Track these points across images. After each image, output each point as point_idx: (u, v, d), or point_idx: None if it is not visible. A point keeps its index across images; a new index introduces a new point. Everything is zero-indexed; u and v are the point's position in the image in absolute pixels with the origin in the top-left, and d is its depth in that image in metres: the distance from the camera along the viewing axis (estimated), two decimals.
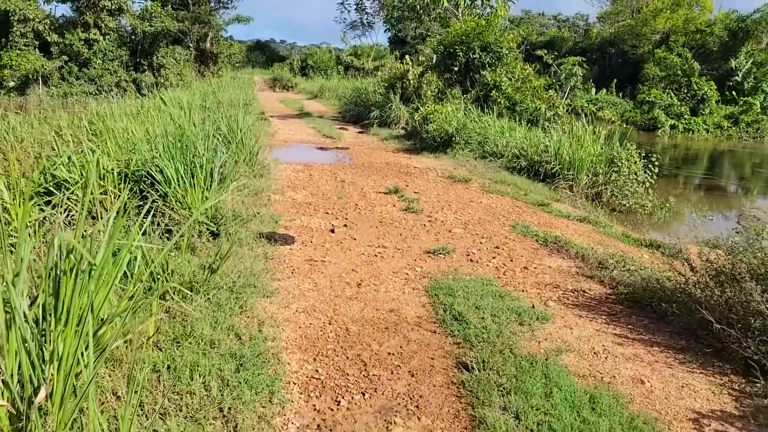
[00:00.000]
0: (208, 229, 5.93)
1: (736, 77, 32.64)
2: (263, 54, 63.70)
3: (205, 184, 6.57)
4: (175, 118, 10.41)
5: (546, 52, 30.29)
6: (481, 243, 6.69)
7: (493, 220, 7.83)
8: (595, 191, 11.48)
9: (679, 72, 32.38)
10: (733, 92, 31.80)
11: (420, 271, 5.58)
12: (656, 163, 11.38)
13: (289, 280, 5.14)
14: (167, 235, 5.37)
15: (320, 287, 5.01)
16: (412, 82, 19.36)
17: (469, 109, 15.90)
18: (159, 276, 4.20)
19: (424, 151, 14.00)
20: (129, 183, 6.60)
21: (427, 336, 4.17)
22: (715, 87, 31.04)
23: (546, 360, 3.82)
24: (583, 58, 25.47)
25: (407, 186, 9.62)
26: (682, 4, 39.75)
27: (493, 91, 16.60)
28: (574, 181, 11.48)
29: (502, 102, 16.36)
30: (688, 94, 31.29)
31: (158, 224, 5.51)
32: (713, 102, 30.78)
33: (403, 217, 7.61)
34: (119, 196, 6.54)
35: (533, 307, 4.77)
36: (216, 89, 22.58)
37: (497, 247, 6.56)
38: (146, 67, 32.17)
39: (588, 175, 11.57)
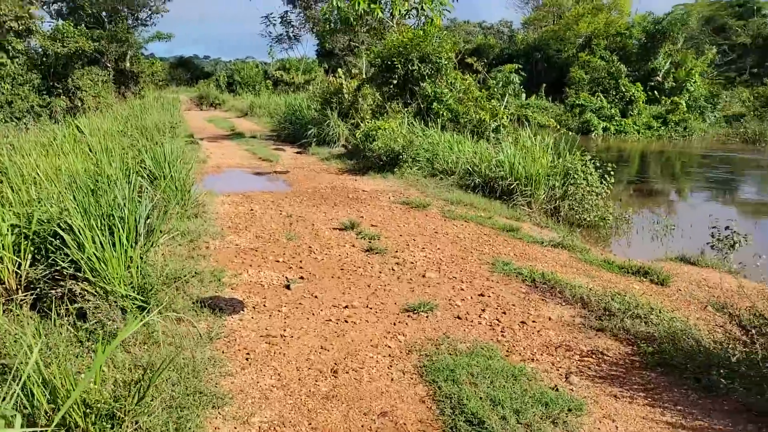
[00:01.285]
0: (134, 305, 4.72)
1: (657, 77, 33.24)
2: (187, 71, 61.23)
3: (128, 241, 5.33)
4: (94, 148, 9.05)
5: (476, 59, 30.00)
6: (462, 290, 5.73)
7: (466, 256, 6.90)
8: (553, 206, 10.83)
9: (605, 74, 32.73)
10: (655, 92, 32.33)
11: (404, 342, 4.55)
12: (612, 173, 10.84)
13: (245, 372, 4.01)
14: (81, 322, 4.14)
15: (286, 382, 3.91)
16: (347, 96, 18.38)
17: (412, 123, 15.05)
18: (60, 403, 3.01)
19: (370, 171, 13.02)
20: (31, 246, 5.30)
21: None
22: (642, 88, 31.51)
23: None
24: (519, 65, 25.21)
25: (362, 218, 8.58)
26: (602, 8, 40.54)
27: (435, 104, 15.83)
28: (532, 197, 10.79)
29: (444, 114, 15.60)
30: (617, 96, 31.62)
31: (67, 305, 4.27)
32: (641, 103, 31.21)
33: (367, 261, 6.57)
34: (20, 263, 5.24)
35: (556, 388, 3.83)
36: (139, 112, 20.91)
37: (482, 295, 5.62)
38: (61, 91, 29.79)
39: (545, 190, 10.91)
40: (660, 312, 5.10)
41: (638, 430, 3.41)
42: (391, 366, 4.15)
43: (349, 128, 16.99)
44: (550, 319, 5.09)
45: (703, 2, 49.16)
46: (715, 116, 31.93)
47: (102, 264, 4.64)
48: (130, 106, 24.69)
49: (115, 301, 4.47)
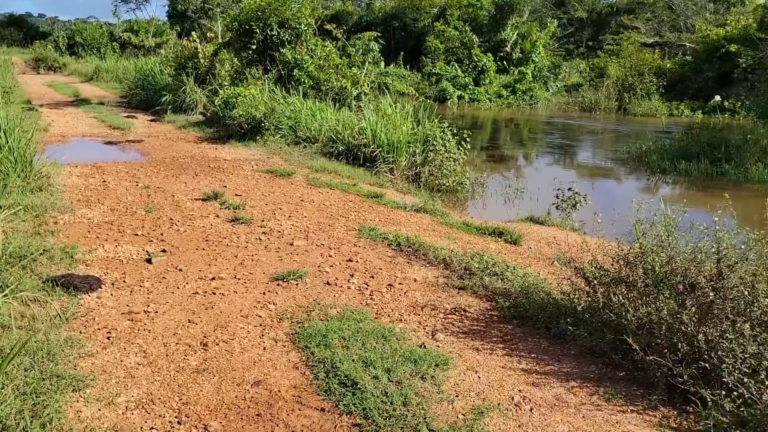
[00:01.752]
0: None
1: (506, 48, 34.93)
2: (20, 30, 55.15)
3: None
4: None
5: (335, 26, 29.83)
6: (331, 257, 5.80)
7: (333, 223, 6.97)
8: (414, 172, 11.19)
9: (458, 44, 33.86)
10: (504, 62, 34.00)
11: (275, 310, 4.54)
12: (468, 140, 11.36)
13: (106, 352, 3.81)
14: None
15: (153, 358, 3.76)
16: (204, 62, 17.59)
17: (273, 90, 14.75)
18: None
19: (231, 140, 12.66)
20: None
21: (315, 419, 3.20)
22: (493, 58, 33.02)
23: (471, 431, 3.09)
24: (378, 33, 25.39)
25: (226, 187, 8.35)
26: None
27: (296, 70, 15.61)
28: (395, 164, 11.07)
29: (306, 81, 15.44)
30: (470, 66, 32.89)
31: None
32: (492, 72, 32.74)
33: (233, 231, 6.43)
34: None
35: (424, 346, 4.02)
36: None
37: (350, 260, 5.72)
38: None
39: (407, 157, 11.22)
40: (514, 269, 5.49)
41: (498, 378, 3.67)
42: (262, 335, 4.13)
43: (207, 95, 16.33)
44: (415, 280, 5.29)
45: None
46: (557, 86, 34.24)
47: None
48: None
49: None
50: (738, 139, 13.49)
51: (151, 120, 15.67)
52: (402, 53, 37.65)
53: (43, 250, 5.20)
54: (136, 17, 42.02)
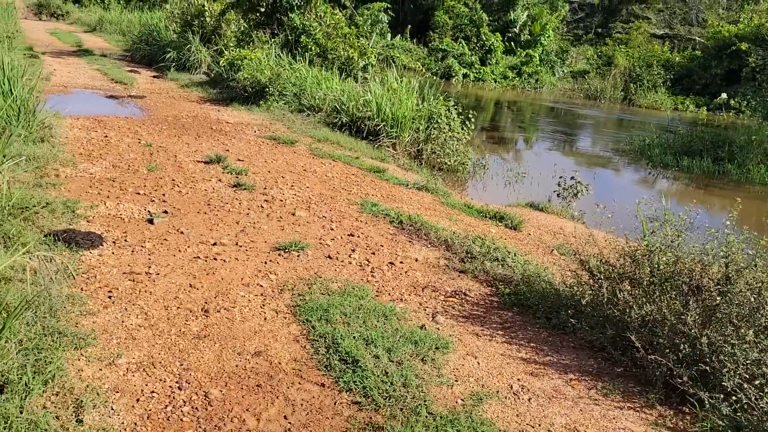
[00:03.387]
0: None
1: (515, 29, 34.55)
2: None
3: None
4: None
5: None
6: (332, 230, 5.78)
7: (335, 195, 6.93)
8: (416, 149, 11.13)
9: (467, 22, 33.47)
10: (512, 43, 33.67)
11: (276, 280, 4.52)
12: (472, 120, 11.29)
13: (108, 311, 3.79)
14: None
15: (154, 321, 3.75)
16: (210, 21, 17.30)
17: (280, 55, 14.56)
18: None
19: (234, 102, 12.52)
20: None
21: (315, 394, 3.21)
22: (501, 38, 32.67)
23: (470, 417, 3.11)
24: (387, 4, 25.04)
25: (228, 151, 8.27)
26: None
27: (303, 37, 15.37)
28: (398, 139, 11.00)
29: (313, 48, 15.21)
30: (478, 44, 32.55)
31: None
32: (499, 53, 32.41)
33: (235, 197, 6.38)
34: None
35: (424, 327, 4.02)
36: None
37: (352, 235, 5.70)
38: None
39: (410, 133, 11.16)
40: (515, 255, 5.49)
41: (497, 365, 3.69)
42: (263, 305, 4.12)
43: (212, 55, 16.10)
44: (416, 260, 5.29)
45: None
46: (563, 71, 33.96)
47: None
48: None
49: None
50: (742, 139, 13.45)
51: (154, 76, 15.46)
52: (409, 26, 37.23)
53: (45, 203, 5.15)
54: None
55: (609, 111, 26.14)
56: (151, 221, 5.40)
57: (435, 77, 22.04)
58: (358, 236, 5.68)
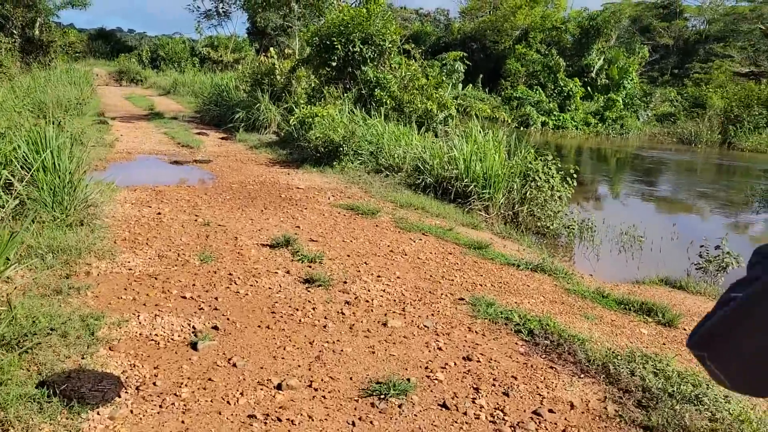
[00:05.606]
0: None
1: (591, 74, 32.85)
2: (107, 44, 56.54)
3: None
4: None
5: (413, 46, 28.66)
6: (440, 350, 4.18)
7: (434, 288, 5.41)
8: (512, 212, 9.62)
9: (541, 68, 32.09)
10: (589, 88, 31.92)
11: None
12: (575, 176, 9.67)
13: None
14: None
15: None
16: (280, 78, 16.57)
17: (353, 111, 13.48)
18: None
19: (305, 164, 11.40)
20: None
21: None
22: (579, 83, 31.00)
23: None
24: (464, 53, 23.99)
25: (299, 228, 6.97)
26: (539, 1, 39.89)
27: (377, 90, 14.28)
28: (490, 201, 9.50)
29: (388, 102, 14.08)
30: (555, 91, 31.00)
31: None
32: (578, 98, 30.70)
33: (308, 299, 4.93)
34: None
35: None
36: (42, 84, 18.33)
37: (469, 359, 4.07)
38: None
39: (504, 194, 9.66)
40: (708, 388, 3.77)
41: None
42: None
43: (282, 113, 15.25)
44: (571, 407, 3.61)
45: (630, 2, 49.53)
46: (647, 115, 31.88)
47: None
48: (33, 77, 21.88)
49: None
50: None
51: (222, 138, 14.67)
52: (481, 75, 36.11)
53: (59, 322, 3.83)
54: (217, 33, 42.03)
55: (707, 156, 23.85)
56: (194, 346, 4.00)
57: (518, 127, 20.58)
58: (478, 360, 4.08)
